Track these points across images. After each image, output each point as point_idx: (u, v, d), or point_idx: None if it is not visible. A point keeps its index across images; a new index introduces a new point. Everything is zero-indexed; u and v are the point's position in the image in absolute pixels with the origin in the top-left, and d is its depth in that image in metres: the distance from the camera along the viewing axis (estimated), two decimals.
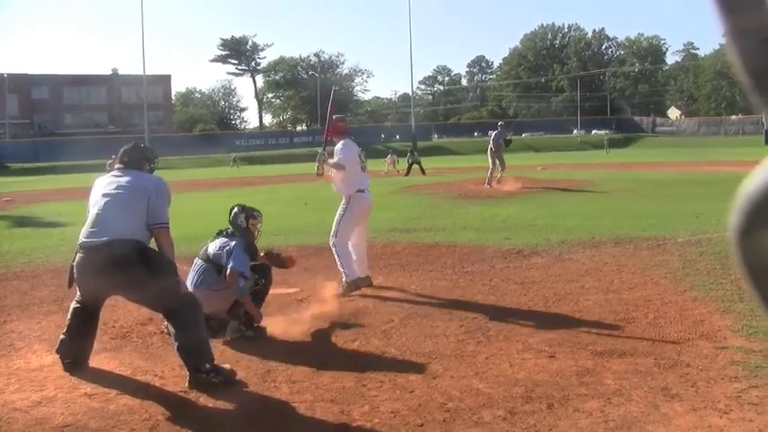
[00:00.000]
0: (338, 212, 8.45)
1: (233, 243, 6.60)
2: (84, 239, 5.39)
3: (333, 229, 8.40)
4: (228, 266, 6.44)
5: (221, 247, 6.60)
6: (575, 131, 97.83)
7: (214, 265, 6.60)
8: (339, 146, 8.45)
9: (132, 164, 5.78)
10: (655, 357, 5.39)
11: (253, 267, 6.71)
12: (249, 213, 6.95)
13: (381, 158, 42.65)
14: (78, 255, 5.42)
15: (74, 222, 12.63)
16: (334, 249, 8.34)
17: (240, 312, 6.58)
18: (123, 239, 5.27)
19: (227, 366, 5.39)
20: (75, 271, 5.47)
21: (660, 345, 5.71)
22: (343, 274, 8.19)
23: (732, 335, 5.88)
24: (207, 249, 6.76)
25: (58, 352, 5.70)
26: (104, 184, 5.63)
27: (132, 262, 5.20)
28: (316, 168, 8.63)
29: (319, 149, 8.63)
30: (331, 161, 8.38)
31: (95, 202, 5.54)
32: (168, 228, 5.53)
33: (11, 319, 7.45)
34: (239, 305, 6.57)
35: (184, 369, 5.33)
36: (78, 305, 5.67)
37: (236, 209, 7.01)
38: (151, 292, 5.28)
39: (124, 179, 5.59)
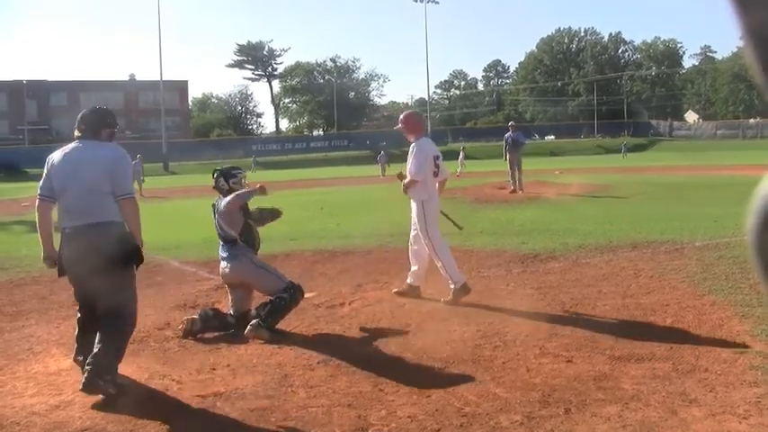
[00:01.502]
0: (418, 221, 8.02)
1: (222, 203, 6.98)
2: (63, 225, 5.32)
3: (425, 241, 7.95)
4: (224, 205, 6.90)
5: (221, 221, 7.00)
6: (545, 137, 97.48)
7: (231, 239, 7.02)
8: (414, 153, 8.01)
9: (89, 132, 5.52)
10: (673, 362, 5.36)
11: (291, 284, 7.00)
12: (227, 173, 7.22)
13: (404, 162, 42.58)
14: (62, 242, 5.37)
15: None
16: (437, 260, 7.91)
17: (262, 312, 6.72)
18: (101, 222, 5.26)
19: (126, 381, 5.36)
20: (62, 260, 5.39)
21: (678, 349, 5.68)
22: (450, 282, 7.84)
23: (751, 339, 5.83)
24: (223, 229, 7.04)
25: (75, 360, 5.64)
26: (65, 163, 5.39)
27: (108, 247, 5.16)
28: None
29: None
30: (406, 181, 8.02)
31: (62, 183, 5.35)
32: (134, 197, 5.53)
33: (29, 324, 7.51)
34: (264, 305, 6.81)
35: (202, 374, 5.36)
36: (80, 314, 5.58)
37: (215, 174, 7.28)
38: (109, 284, 5.16)
39: (83, 155, 5.40)
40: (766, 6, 0.73)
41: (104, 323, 5.28)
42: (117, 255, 5.20)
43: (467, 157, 41.10)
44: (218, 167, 7.46)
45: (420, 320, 7.02)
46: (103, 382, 5.04)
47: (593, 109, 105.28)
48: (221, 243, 7.10)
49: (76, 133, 5.53)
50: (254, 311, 6.86)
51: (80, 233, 5.23)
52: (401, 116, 8.50)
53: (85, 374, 5.07)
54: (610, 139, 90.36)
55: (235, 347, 6.29)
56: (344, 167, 59.21)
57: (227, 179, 7.15)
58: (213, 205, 7.18)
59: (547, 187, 23.95)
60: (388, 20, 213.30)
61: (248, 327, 6.67)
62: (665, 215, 14.92)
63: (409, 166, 8.05)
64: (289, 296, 6.85)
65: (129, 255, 5.34)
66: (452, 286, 7.82)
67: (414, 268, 8.25)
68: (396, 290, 8.18)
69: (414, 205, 8.11)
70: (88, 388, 5.03)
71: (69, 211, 5.31)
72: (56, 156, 5.47)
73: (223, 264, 7.09)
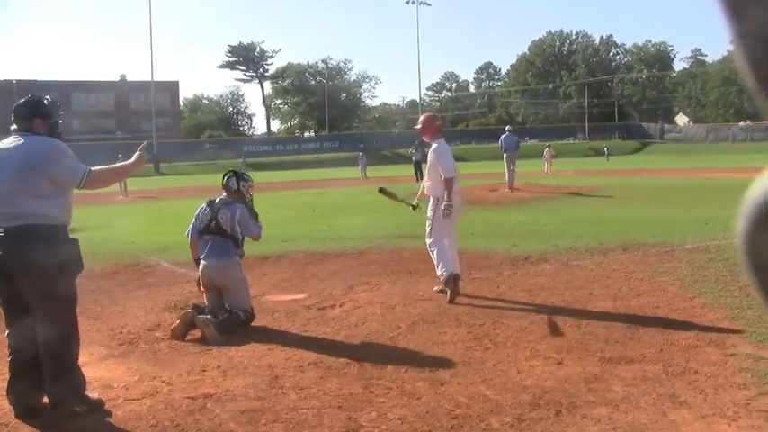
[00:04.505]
0: (428, 214, 8.28)
1: (238, 213, 7.26)
2: None
3: (426, 230, 8.29)
4: (252, 236, 7.42)
5: (234, 223, 7.23)
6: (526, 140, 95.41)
7: (233, 239, 7.24)
8: (440, 151, 8.26)
9: (23, 124, 4.97)
10: (663, 364, 5.38)
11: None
12: (240, 176, 7.68)
13: (394, 164, 42.38)
14: None
15: (82, 228, 12.66)
16: (430, 251, 8.23)
17: (220, 316, 6.97)
18: (30, 224, 4.71)
19: (95, 396, 5.07)
20: None
21: (668, 351, 5.70)
22: (442, 274, 8.01)
23: (741, 342, 5.86)
24: (217, 224, 7.27)
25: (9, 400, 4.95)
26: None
27: (35, 249, 4.67)
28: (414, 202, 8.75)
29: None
30: (446, 176, 8.05)
31: None
32: (91, 171, 5.02)
33: None
34: (224, 311, 7.13)
35: (192, 375, 5.34)
36: (10, 343, 4.96)
37: (228, 174, 7.72)
38: (43, 296, 4.76)
39: (14, 153, 4.81)
40: (756, 9, 0.73)
41: (45, 347, 4.83)
42: (47, 262, 4.70)
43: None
44: (233, 170, 7.98)
45: (411, 322, 7.02)
46: (71, 401, 4.87)
47: (584, 111, 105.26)
48: (220, 241, 7.23)
49: (12, 127, 5.01)
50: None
51: (8, 237, 4.72)
52: (420, 118, 8.92)
53: (52, 401, 4.89)
54: (600, 140, 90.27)
55: (225, 349, 6.28)
56: (336, 169, 59.14)
57: (238, 180, 7.56)
58: (213, 202, 7.43)
59: (537, 188, 24.04)
60: (379, 22, 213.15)
61: (201, 317, 6.75)
62: (656, 217, 14.98)
63: (442, 166, 8.14)
64: (245, 317, 7.11)
65: (63, 262, 4.85)
66: (442, 279, 8.04)
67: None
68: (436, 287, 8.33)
69: (430, 201, 8.32)
70: (56, 411, 4.88)
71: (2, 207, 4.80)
72: None
73: (211, 261, 7.20)
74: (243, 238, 7.39)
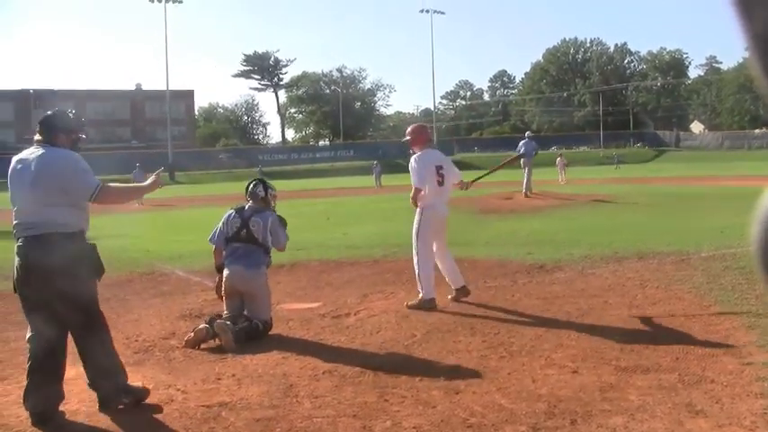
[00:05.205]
0: (414, 226, 8.27)
1: (270, 220, 7.31)
2: (16, 236, 4.98)
3: (414, 245, 8.26)
4: (279, 245, 7.45)
5: (266, 231, 7.27)
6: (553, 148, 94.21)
7: (264, 247, 7.29)
8: (413, 162, 8.28)
9: (46, 136, 5.13)
10: (679, 373, 5.34)
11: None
12: (266, 185, 7.69)
13: (408, 173, 42.40)
14: (16, 256, 5.00)
15: (97, 236, 12.68)
16: (416, 265, 8.21)
17: (239, 324, 6.92)
18: (47, 234, 4.87)
19: (138, 384, 5.31)
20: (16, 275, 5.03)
21: (684, 360, 5.66)
22: (420, 291, 8.07)
23: (757, 350, 5.81)
24: (248, 232, 7.28)
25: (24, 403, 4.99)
26: (18, 170, 5.05)
27: (54, 258, 4.79)
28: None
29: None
30: (414, 186, 8.17)
31: (15, 192, 5.05)
32: (103, 185, 5.09)
33: None
34: (243, 319, 7.09)
35: (207, 383, 5.35)
36: (35, 343, 5.04)
37: (254, 182, 7.74)
38: (71, 299, 4.91)
39: (33, 164, 4.96)
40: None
41: (84, 343, 5.06)
42: (68, 268, 4.84)
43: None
44: (258, 177, 8.09)
45: (425, 331, 7.01)
46: (116, 395, 5.06)
47: (598, 119, 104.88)
48: (250, 248, 7.25)
49: (36, 137, 5.18)
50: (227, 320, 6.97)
51: (29, 246, 4.90)
52: (408, 129, 8.85)
53: (99, 398, 5.08)
54: (615, 148, 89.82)
55: (240, 357, 6.29)
56: (350, 177, 59.16)
57: (265, 188, 7.57)
58: (242, 209, 7.44)
59: (552, 196, 23.99)
60: (394, 30, 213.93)
61: (220, 322, 6.79)
62: (671, 226, 14.90)
63: (412, 177, 8.24)
64: (263, 327, 7.09)
65: (82, 267, 5.03)
66: (420, 295, 8.04)
67: (447, 278, 8.45)
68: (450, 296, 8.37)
69: (416, 212, 8.30)
70: (105, 408, 5.04)
71: (19, 222, 4.98)
72: (14, 160, 5.14)
73: (238, 269, 7.18)
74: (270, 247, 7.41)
